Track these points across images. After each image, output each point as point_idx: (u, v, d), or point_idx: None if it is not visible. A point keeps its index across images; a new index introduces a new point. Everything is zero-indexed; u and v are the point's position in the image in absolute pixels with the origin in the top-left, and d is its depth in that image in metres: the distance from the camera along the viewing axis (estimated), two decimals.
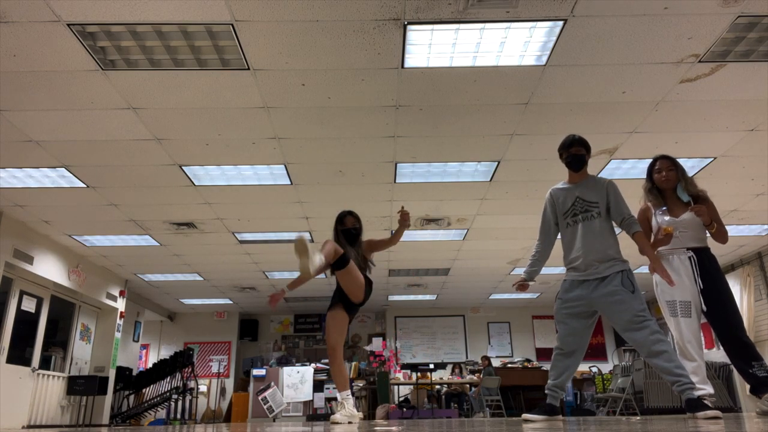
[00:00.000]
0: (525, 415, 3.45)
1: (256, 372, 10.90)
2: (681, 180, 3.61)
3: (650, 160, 3.79)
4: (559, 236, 3.62)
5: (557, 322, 3.48)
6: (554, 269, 9.32)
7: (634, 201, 6.41)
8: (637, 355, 12.07)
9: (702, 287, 3.43)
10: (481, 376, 10.25)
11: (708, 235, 3.57)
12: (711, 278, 3.44)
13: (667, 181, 3.61)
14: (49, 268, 7.85)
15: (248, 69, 4.18)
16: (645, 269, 9.77)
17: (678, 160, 3.74)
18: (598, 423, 3.03)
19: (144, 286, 10.76)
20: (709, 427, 2.08)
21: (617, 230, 3.45)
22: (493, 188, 6.50)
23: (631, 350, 12.50)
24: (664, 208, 3.62)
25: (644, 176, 3.81)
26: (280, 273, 10.14)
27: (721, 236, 3.52)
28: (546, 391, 3.43)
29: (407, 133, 5.20)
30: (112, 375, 9.69)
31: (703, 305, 3.43)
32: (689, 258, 3.49)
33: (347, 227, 4.27)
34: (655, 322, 3.20)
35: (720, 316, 3.39)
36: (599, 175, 3.58)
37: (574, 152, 3.51)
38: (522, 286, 3.63)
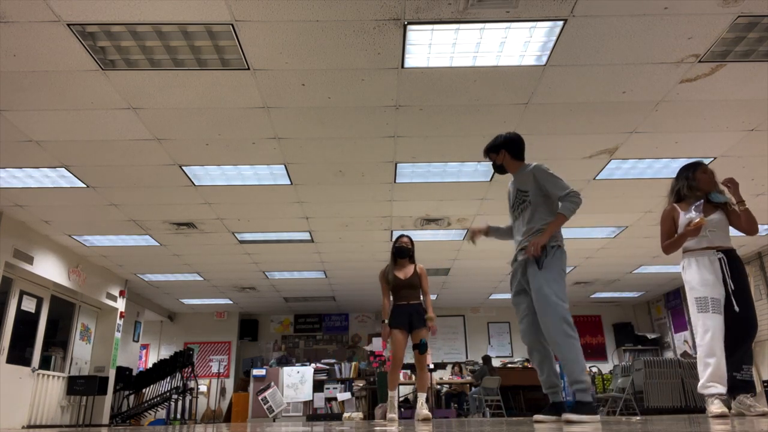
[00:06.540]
0: (536, 416, 3.42)
1: (256, 372, 10.91)
2: (715, 185, 3.82)
3: (692, 162, 3.93)
4: None
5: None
6: None
7: (640, 201, 6.45)
8: (637, 355, 12.08)
9: (733, 288, 3.54)
10: (474, 376, 10.27)
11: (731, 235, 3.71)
12: (741, 280, 3.58)
13: (708, 183, 3.79)
14: (49, 268, 7.86)
15: (248, 69, 4.18)
16: (644, 269, 9.76)
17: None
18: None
19: (144, 286, 10.76)
20: (717, 426, 2.08)
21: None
22: (493, 188, 6.50)
23: (631, 350, 12.50)
24: (700, 202, 3.69)
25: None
26: (280, 273, 10.14)
27: (751, 222, 3.63)
28: (545, 392, 3.43)
29: (407, 133, 5.20)
30: (112, 375, 9.70)
31: (736, 306, 3.51)
32: (719, 259, 3.61)
33: (401, 245, 5.23)
34: (564, 309, 3.07)
35: (743, 317, 3.51)
36: (533, 164, 3.38)
37: (490, 161, 3.59)
38: (476, 233, 3.73)
